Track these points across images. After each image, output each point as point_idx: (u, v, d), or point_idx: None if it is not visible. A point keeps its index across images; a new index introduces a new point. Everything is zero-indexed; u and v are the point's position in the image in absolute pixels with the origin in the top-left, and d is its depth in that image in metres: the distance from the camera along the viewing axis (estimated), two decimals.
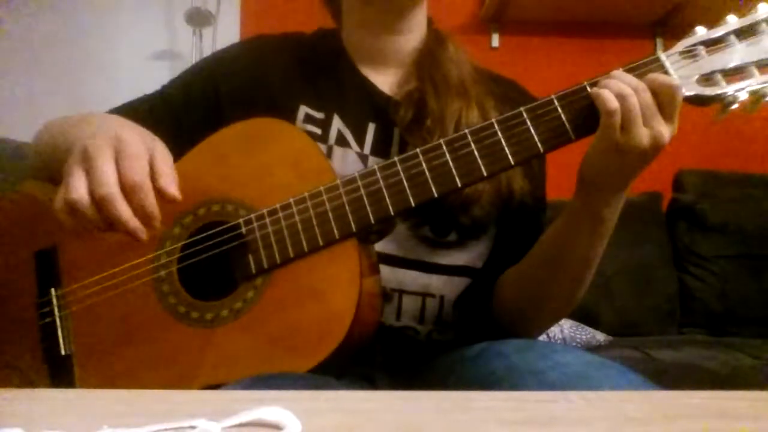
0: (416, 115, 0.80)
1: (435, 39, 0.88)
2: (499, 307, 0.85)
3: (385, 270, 0.76)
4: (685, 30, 0.70)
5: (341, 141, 0.81)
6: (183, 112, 0.85)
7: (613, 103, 0.65)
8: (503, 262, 0.84)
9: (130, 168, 0.60)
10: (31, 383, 0.74)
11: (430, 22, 0.91)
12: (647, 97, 0.65)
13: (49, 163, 0.77)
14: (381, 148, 0.81)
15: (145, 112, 0.84)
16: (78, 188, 0.60)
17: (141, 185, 0.60)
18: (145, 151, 0.62)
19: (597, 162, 0.69)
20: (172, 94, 0.87)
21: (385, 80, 0.86)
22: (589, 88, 0.68)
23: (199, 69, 0.89)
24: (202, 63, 0.91)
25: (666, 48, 0.70)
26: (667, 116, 0.66)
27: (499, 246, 0.84)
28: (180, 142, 0.79)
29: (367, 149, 0.81)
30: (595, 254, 0.76)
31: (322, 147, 0.79)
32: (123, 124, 0.71)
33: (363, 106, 0.84)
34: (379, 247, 0.76)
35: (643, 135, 0.65)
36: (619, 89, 0.65)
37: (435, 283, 0.80)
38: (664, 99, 0.66)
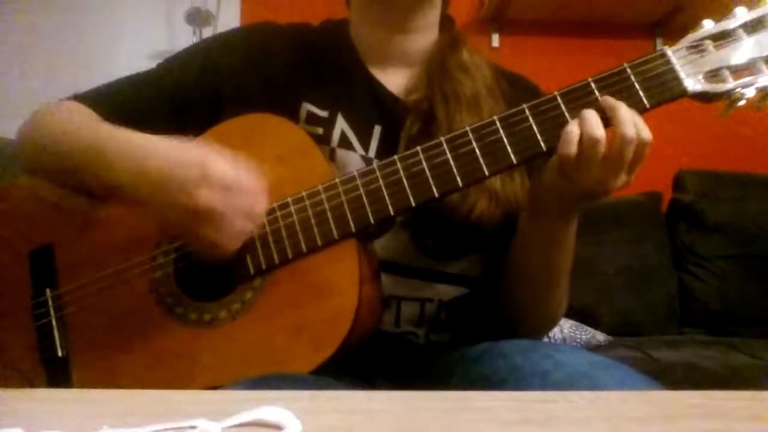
0: (423, 127, 0.78)
1: (449, 42, 0.84)
2: (498, 311, 0.84)
3: (384, 278, 0.75)
4: (685, 30, 0.68)
5: (345, 143, 0.79)
6: (182, 103, 0.81)
7: (570, 149, 0.64)
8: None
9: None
10: (31, 384, 0.74)
11: (449, 21, 0.88)
12: (627, 151, 0.63)
13: (70, 171, 0.75)
14: (387, 152, 0.77)
15: (143, 99, 0.82)
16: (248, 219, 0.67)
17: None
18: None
19: (545, 182, 0.69)
20: (170, 84, 0.83)
21: (393, 80, 0.83)
22: (592, 84, 0.67)
23: (200, 57, 0.85)
24: (204, 50, 0.86)
25: None
26: (629, 169, 0.65)
27: (501, 255, 0.82)
28: (179, 133, 0.78)
29: (372, 152, 0.79)
30: (552, 268, 0.76)
31: (325, 150, 0.77)
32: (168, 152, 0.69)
33: (369, 106, 0.81)
34: (380, 254, 0.76)
35: (592, 179, 0.65)
36: (590, 134, 0.63)
37: (434, 289, 0.79)
38: (636, 153, 0.64)
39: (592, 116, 0.64)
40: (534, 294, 0.79)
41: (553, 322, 0.85)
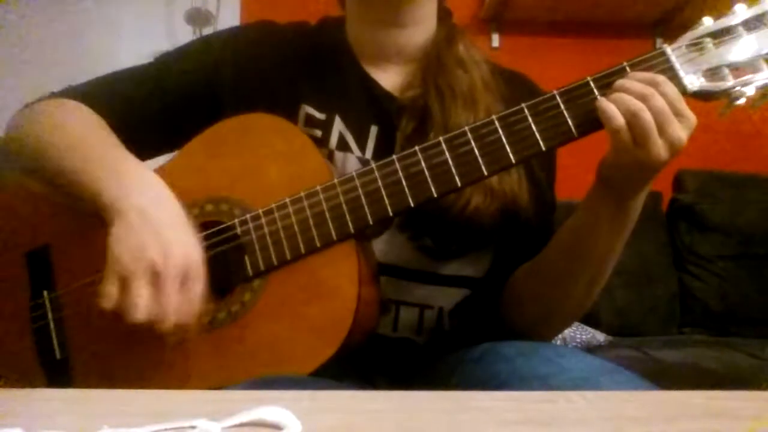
0: (419, 125, 0.77)
1: (445, 37, 0.83)
2: (511, 311, 0.83)
3: (383, 280, 0.75)
4: (685, 30, 0.67)
5: (342, 145, 0.78)
6: (180, 101, 0.81)
7: (618, 121, 0.62)
8: (505, 271, 0.82)
9: (168, 303, 0.64)
10: (30, 385, 0.74)
11: (446, 14, 0.87)
12: (659, 102, 0.62)
13: (53, 173, 0.75)
14: (384, 153, 0.76)
15: (139, 96, 0.81)
16: (140, 306, 0.64)
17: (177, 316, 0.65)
18: (183, 270, 0.65)
19: (614, 169, 0.67)
20: (168, 80, 0.82)
21: (389, 78, 0.83)
22: (592, 83, 0.66)
23: (199, 55, 0.84)
24: (203, 48, 0.86)
25: None
26: (678, 113, 0.63)
27: (502, 256, 0.82)
28: (176, 131, 0.78)
29: (369, 153, 0.78)
30: (613, 249, 0.74)
31: (323, 152, 0.77)
32: (171, 222, 0.68)
33: (366, 107, 0.81)
34: (379, 257, 0.75)
35: (659, 147, 0.62)
36: (627, 106, 0.62)
37: (434, 294, 0.78)
38: (668, 98, 0.62)
39: (625, 86, 0.64)
40: (582, 278, 0.76)
41: (580, 315, 0.82)
